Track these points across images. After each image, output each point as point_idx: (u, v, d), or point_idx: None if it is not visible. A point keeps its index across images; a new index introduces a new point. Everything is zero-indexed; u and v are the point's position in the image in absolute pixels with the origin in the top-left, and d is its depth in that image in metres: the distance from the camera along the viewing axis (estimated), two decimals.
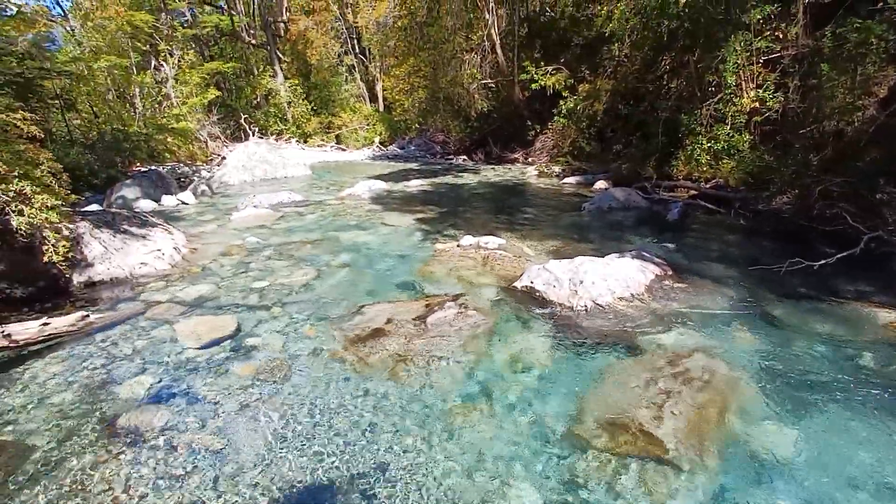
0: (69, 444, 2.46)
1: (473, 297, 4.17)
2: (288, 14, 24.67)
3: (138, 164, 13.03)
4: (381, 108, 24.60)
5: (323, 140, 21.96)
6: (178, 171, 13.75)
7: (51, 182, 4.25)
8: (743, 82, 8.03)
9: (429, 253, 5.57)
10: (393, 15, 18.51)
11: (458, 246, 5.58)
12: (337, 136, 22.28)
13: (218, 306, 4.20)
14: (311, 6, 23.80)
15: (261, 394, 2.88)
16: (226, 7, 25.04)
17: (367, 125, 22.74)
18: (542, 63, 14.10)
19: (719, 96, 8.25)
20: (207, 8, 24.83)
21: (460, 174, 13.58)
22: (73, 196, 4.72)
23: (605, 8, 12.34)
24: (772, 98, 7.63)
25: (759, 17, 7.61)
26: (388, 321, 3.73)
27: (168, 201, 9.52)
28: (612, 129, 11.86)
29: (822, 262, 4.29)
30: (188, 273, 5.08)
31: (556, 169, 12.57)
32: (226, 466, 2.29)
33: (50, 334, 3.48)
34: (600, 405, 2.69)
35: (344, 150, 21.45)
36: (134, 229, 5.61)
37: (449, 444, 2.43)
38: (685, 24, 8.99)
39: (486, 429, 2.53)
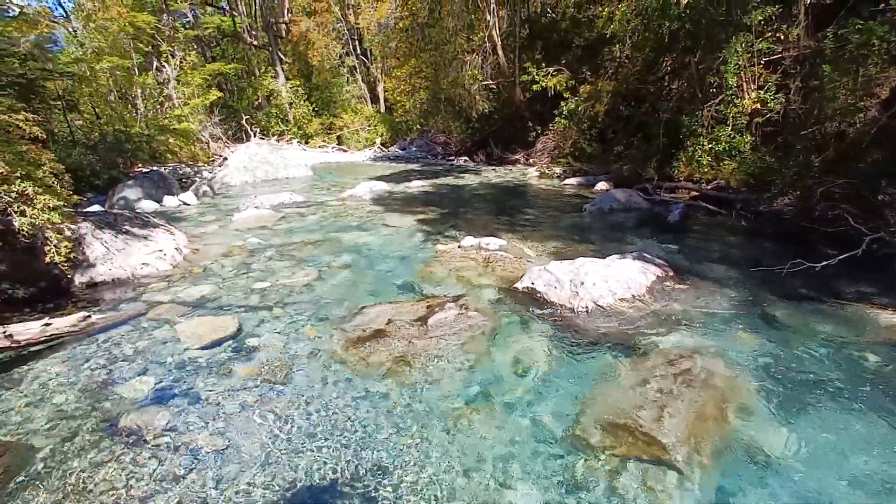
0: (71, 444, 2.47)
1: (474, 297, 4.17)
2: (289, 15, 24.74)
3: (140, 164, 13.06)
4: (383, 110, 24.65)
5: (324, 141, 22.00)
6: (180, 172, 13.81)
7: (53, 183, 4.27)
8: (744, 83, 8.03)
9: (430, 254, 5.58)
10: (394, 16, 18.55)
11: (459, 247, 5.58)
12: (338, 137, 22.33)
13: (219, 307, 4.21)
14: (313, 7, 23.87)
15: (262, 394, 2.88)
16: (227, 8, 25.09)
17: (369, 126, 22.80)
18: (544, 64, 14.12)
19: (720, 97, 8.25)
20: (209, 9, 24.87)
21: (461, 175, 13.58)
22: (75, 197, 4.73)
23: (606, 9, 12.36)
24: (773, 99, 7.63)
25: (760, 18, 7.61)
26: (389, 322, 3.73)
27: (170, 202, 9.55)
28: (614, 131, 11.86)
29: (824, 263, 4.28)
30: (190, 273, 5.09)
31: (558, 170, 12.55)
32: (227, 467, 2.30)
33: (52, 335, 3.49)
34: (600, 406, 2.69)
35: (345, 151, 21.49)
36: (136, 230, 5.63)
37: (449, 445, 2.43)
38: (686, 26, 8.99)
39: (486, 430, 2.53)
